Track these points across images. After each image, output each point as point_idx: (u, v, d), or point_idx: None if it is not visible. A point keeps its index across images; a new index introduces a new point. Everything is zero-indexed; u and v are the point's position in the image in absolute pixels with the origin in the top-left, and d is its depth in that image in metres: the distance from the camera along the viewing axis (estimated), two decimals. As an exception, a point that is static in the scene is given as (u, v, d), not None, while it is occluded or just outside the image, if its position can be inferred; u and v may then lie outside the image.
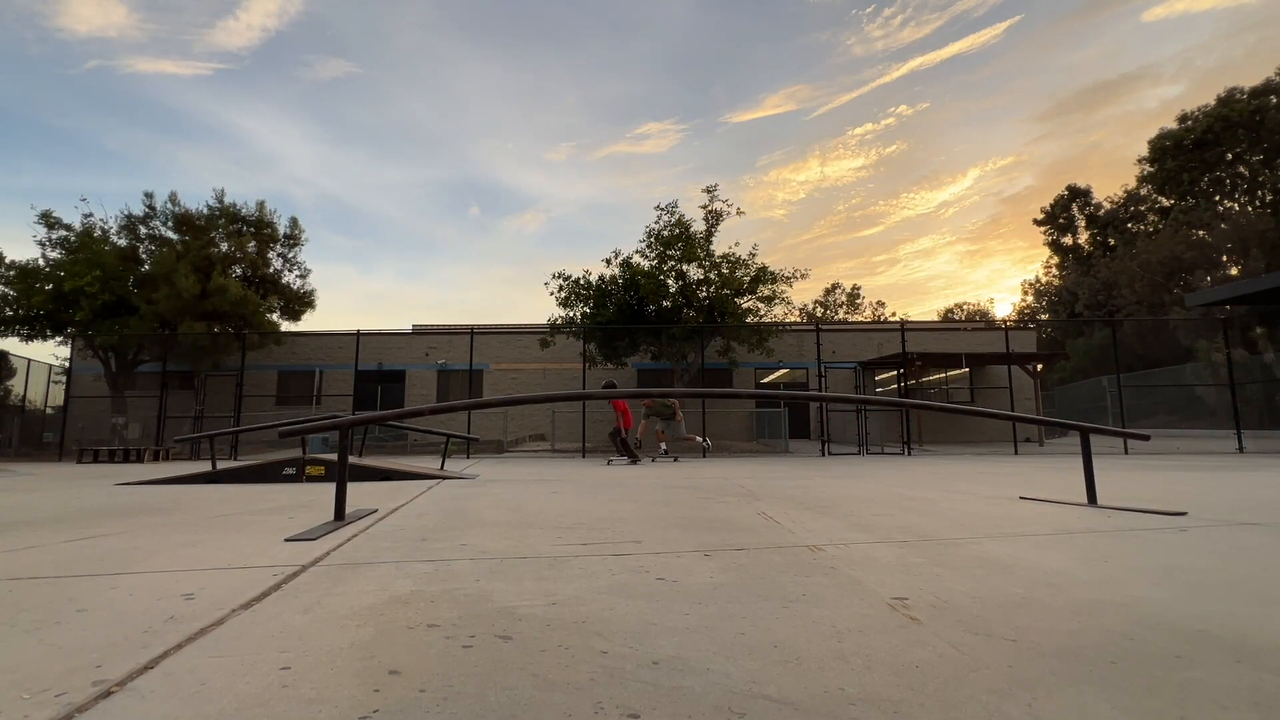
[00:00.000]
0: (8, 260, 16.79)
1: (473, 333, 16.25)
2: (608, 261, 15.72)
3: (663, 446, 9.42)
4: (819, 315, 52.22)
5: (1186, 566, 1.82)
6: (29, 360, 16.31)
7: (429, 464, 7.53)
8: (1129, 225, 38.86)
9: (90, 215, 17.50)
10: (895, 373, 18.11)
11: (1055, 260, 43.80)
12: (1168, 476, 5.37)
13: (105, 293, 15.88)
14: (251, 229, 17.91)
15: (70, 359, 15.81)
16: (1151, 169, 36.09)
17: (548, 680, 1.02)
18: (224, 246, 17.48)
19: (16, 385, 16.78)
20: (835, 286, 56.87)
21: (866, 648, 1.16)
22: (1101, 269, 35.82)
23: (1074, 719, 0.87)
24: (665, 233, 15.36)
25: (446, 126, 75.91)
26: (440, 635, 1.25)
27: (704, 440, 9.95)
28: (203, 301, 16.04)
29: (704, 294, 15.19)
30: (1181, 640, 1.18)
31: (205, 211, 17.76)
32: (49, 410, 18.02)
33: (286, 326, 19.48)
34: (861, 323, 40.59)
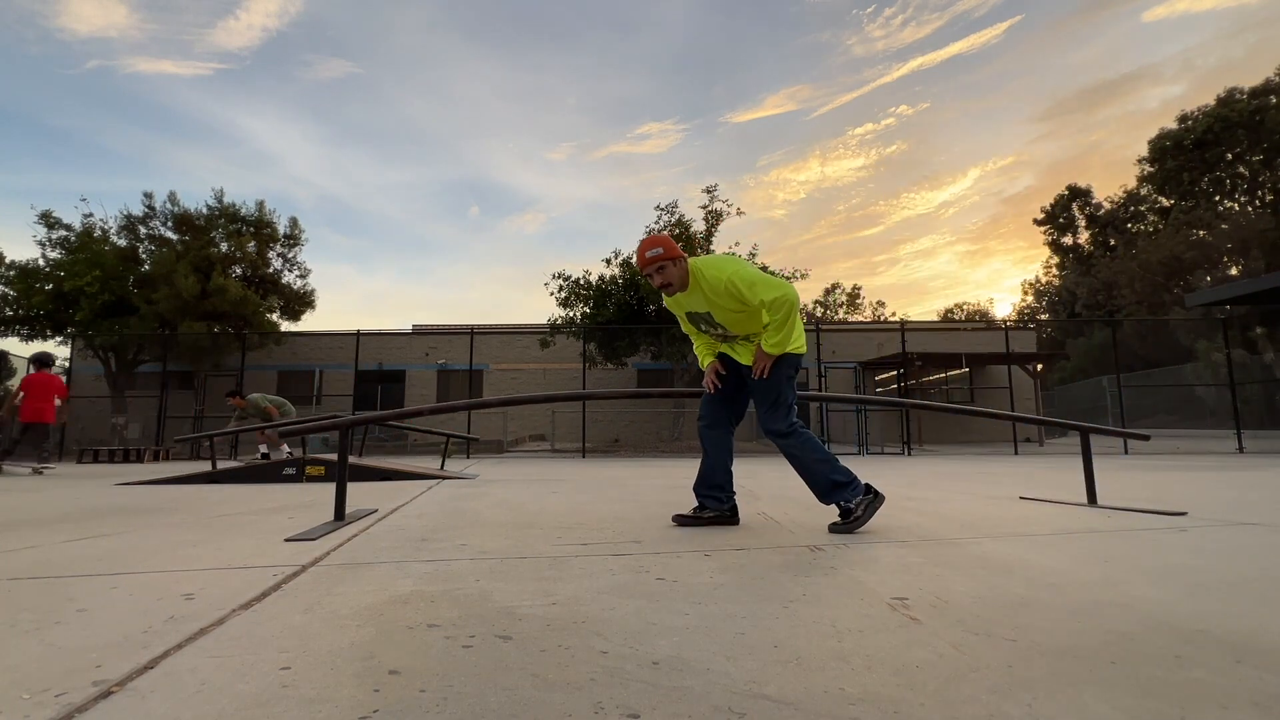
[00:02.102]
0: (8, 260, 16.80)
1: (473, 333, 16.26)
2: (608, 261, 15.72)
3: (262, 448, 8.80)
4: (819, 315, 52.21)
5: (1186, 566, 1.82)
6: (29, 360, 16.28)
7: (429, 464, 7.53)
8: (1129, 225, 38.86)
9: (90, 215, 17.52)
10: (895, 373, 18.11)
11: (1055, 260, 43.79)
12: (1168, 476, 5.37)
13: (105, 293, 15.88)
14: (251, 229, 17.90)
15: (70, 359, 15.79)
16: (1152, 169, 36.09)
17: (548, 680, 1.02)
18: (224, 246, 17.47)
19: (16, 385, 16.74)
20: (835, 286, 56.89)
21: (866, 648, 1.16)
22: (1101, 269, 35.84)
23: (1074, 719, 0.87)
24: (665, 233, 15.36)
25: (446, 127, 75.97)
26: (440, 635, 1.25)
27: (286, 451, 8.68)
28: (203, 301, 16.04)
29: (704, 294, 15.18)
30: (1181, 640, 1.18)
31: (205, 211, 17.75)
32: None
33: (286, 326, 19.48)
34: (861, 323, 40.58)
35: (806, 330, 20.43)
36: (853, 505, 2.51)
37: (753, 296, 2.50)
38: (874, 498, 2.53)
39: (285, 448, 8.77)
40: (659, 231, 15.35)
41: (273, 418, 8.71)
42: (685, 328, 2.93)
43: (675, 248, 2.61)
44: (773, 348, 2.58)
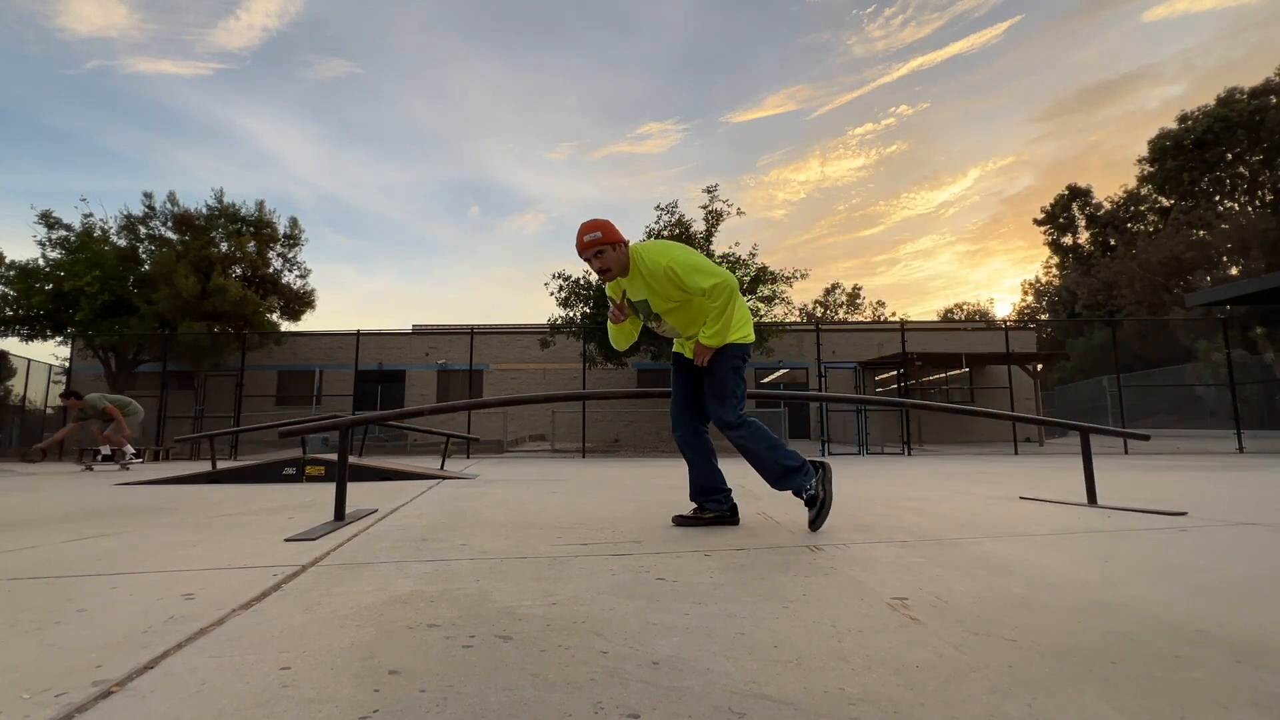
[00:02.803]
0: (8, 260, 16.80)
1: (473, 333, 16.26)
2: (608, 261, 15.71)
3: (105, 450, 8.48)
4: (819, 315, 52.20)
5: (1186, 566, 1.82)
6: (29, 360, 16.30)
7: (429, 464, 7.53)
8: (1129, 225, 38.87)
9: (90, 215, 17.54)
10: (895, 373, 18.11)
11: (1055, 260, 43.81)
12: (1167, 476, 5.37)
13: (105, 293, 15.88)
14: (251, 229, 17.90)
15: (70, 359, 15.81)
16: (1151, 169, 36.10)
17: (548, 680, 1.02)
18: (224, 246, 17.48)
19: (16, 385, 16.77)
20: (835, 286, 56.94)
21: (866, 648, 1.16)
22: (1101, 269, 35.84)
23: (1074, 719, 0.87)
24: (665, 233, 15.34)
25: (446, 126, 75.98)
26: (440, 635, 1.25)
27: (129, 453, 8.43)
28: (203, 301, 16.05)
29: (704, 294, 15.19)
30: (1182, 640, 1.18)
31: (205, 211, 17.76)
32: (49, 410, 18.00)
33: (286, 326, 19.49)
34: (861, 323, 40.58)
35: (806, 330, 20.55)
36: (813, 491, 2.48)
37: (690, 283, 2.47)
38: (823, 472, 2.52)
39: (130, 449, 8.41)
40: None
41: (113, 418, 8.35)
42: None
43: (616, 232, 2.56)
44: (710, 338, 2.54)
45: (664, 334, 2.79)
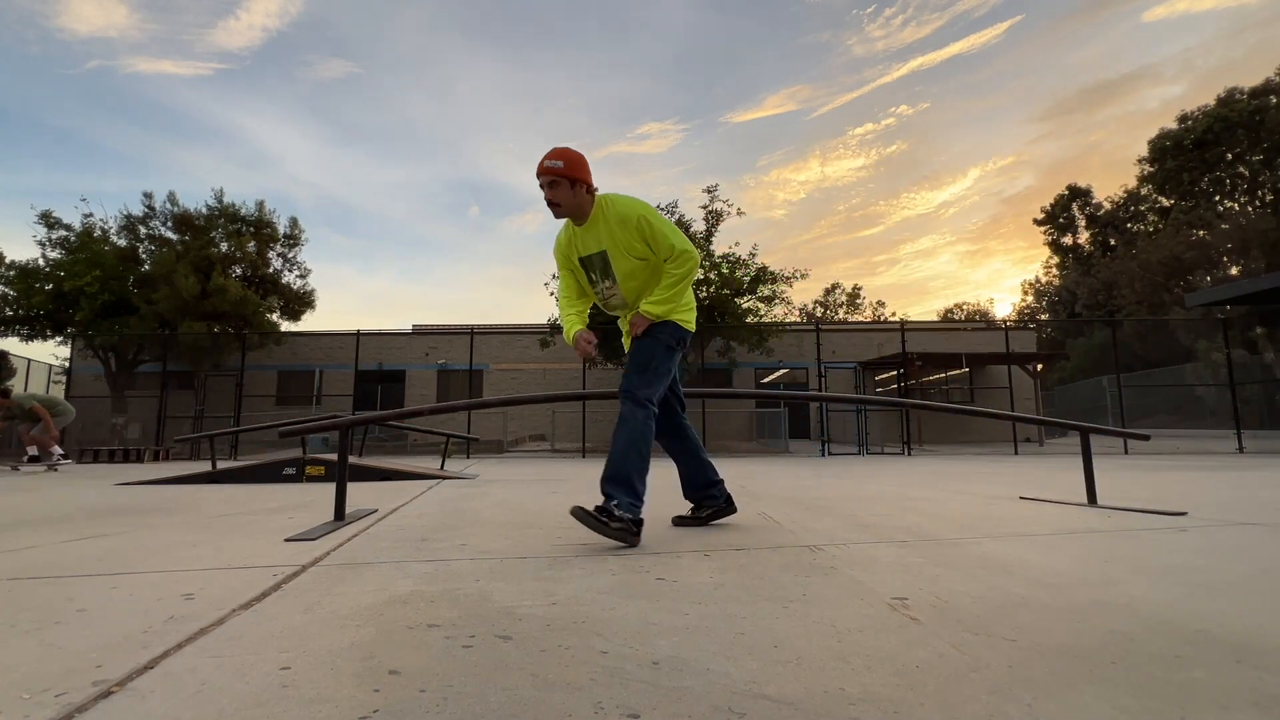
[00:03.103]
0: (8, 260, 16.80)
1: (473, 333, 16.26)
2: (608, 261, 15.71)
3: (31, 451, 8.31)
4: (819, 315, 52.19)
5: (1186, 566, 1.82)
6: (29, 360, 16.31)
7: (429, 464, 7.53)
8: (1129, 225, 38.88)
9: (90, 215, 17.55)
10: (895, 373, 18.11)
11: (1055, 260, 43.82)
12: (1168, 476, 5.37)
13: (105, 293, 15.89)
14: (251, 229, 17.90)
15: (70, 359, 15.81)
16: (1152, 169, 36.11)
17: (548, 680, 1.02)
18: (224, 246, 17.48)
19: (16, 385, 16.77)
20: (835, 286, 56.97)
21: (866, 648, 1.16)
22: (1101, 269, 35.85)
23: (1074, 719, 0.87)
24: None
25: (447, 126, 76.00)
26: (440, 635, 1.25)
27: (57, 454, 8.24)
28: (203, 301, 16.05)
29: (704, 294, 15.19)
30: (1181, 640, 1.18)
31: (205, 211, 17.76)
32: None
33: (286, 326, 19.49)
34: (861, 323, 40.57)
35: (806, 330, 20.55)
36: (614, 511, 2.18)
37: (661, 240, 2.32)
38: (635, 529, 2.19)
39: (58, 450, 8.28)
40: None
41: (40, 418, 8.20)
42: (564, 286, 2.62)
43: (582, 171, 2.35)
44: (654, 305, 2.35)
45: (608, 307, 2.58)
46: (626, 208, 2.36)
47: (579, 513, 2.19)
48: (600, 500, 2.25)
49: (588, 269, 2.53)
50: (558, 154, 2.35)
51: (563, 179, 2.34)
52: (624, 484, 2.23)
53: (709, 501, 2.70)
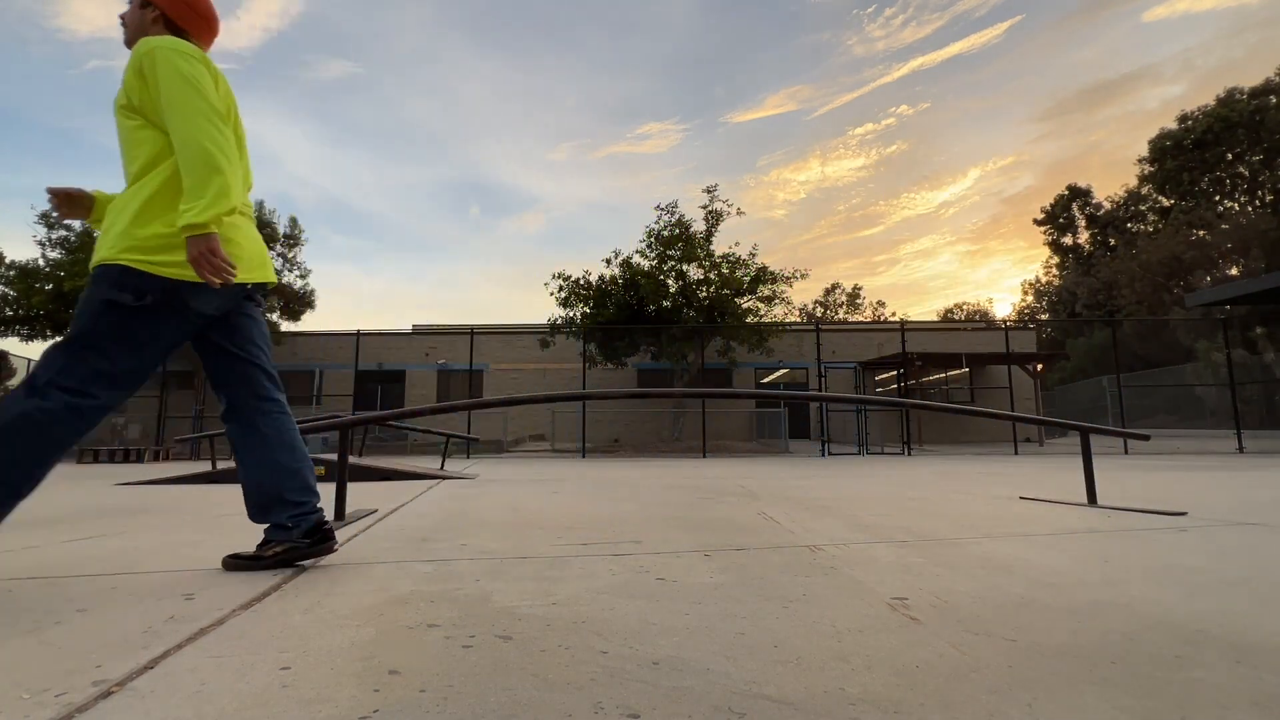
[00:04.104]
0: (8, 260, 16.79)
1: (473, 333, 16.26)
2: (608, 261, 15.73)
3: None
4: (819, 315, 52.21)
5: (1186, 566, 1.82)
6: (29, 360, 16.30)
7: (429, 464, 7.53)
8: (1129, 225, 38.89)
9: (90, 215, 17.48)
10: (895, 373, 18.11)
11: (1055, 260, 43.83)
12: (1167, 476, 5.37)
13: (105, 293, 15.84)
14: (251, 229, 17.87)
15: (70, 359, 15.74)
16: (1152, 169, 36.12)
17: (548, 680, 1.02)
18: (224, 246, 17.43)
19: (16, 385, 16.76)
20: (835, 286, 56.99)
21: (866, 648, 1.16)
22: (1101, 269, 35.87)
23: (1074, 719, 0.87)
24: (665, 233, 15.35)
25: (447, 126, 76.06)
26: (440, 635, 1.25)
27: None
28: (203, 302, 16.00)
29: (704, 294, 15.20)
30: (1181, 640, 1.18)
31: (205, 211, 17.71)
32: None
33: (286, 326, 19.48)
34: (861, 323, 40.56)
35: (806, 330, 20.53)
36: (278, 548, 1.80)
37: (153, 87, 1.57)
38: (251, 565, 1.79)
39: None
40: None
41: None
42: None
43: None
44: (198, 214, 1.52)
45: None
46: (144, 44, 1.62)
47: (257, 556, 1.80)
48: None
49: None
50: None
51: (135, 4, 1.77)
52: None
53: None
